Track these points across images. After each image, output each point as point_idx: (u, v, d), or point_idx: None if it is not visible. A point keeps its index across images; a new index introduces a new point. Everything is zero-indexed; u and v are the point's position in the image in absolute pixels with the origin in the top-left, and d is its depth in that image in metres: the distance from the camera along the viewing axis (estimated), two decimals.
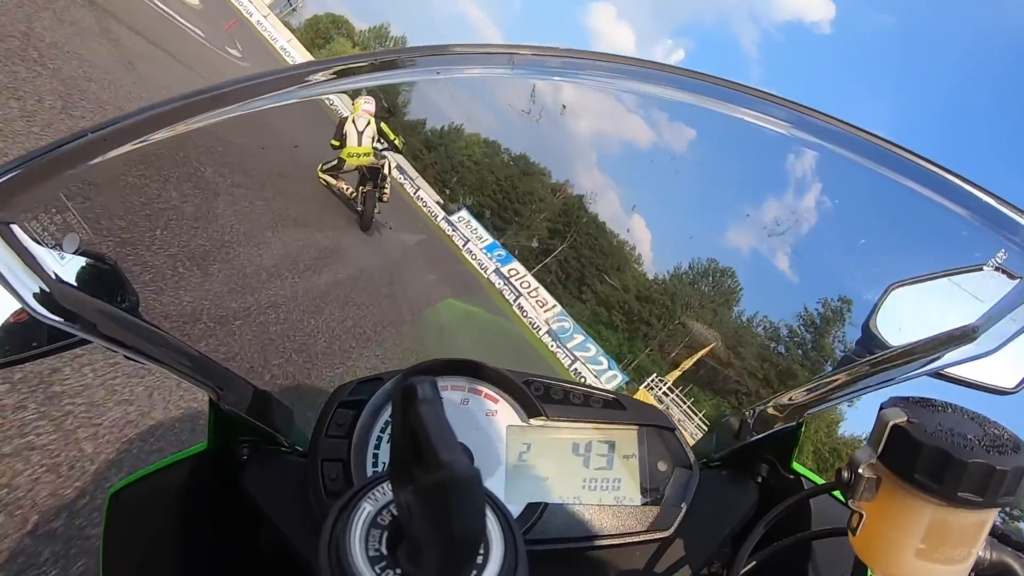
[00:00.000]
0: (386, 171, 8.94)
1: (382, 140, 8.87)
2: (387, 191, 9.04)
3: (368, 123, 8.60)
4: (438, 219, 21.86)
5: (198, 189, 4.94)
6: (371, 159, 8.66)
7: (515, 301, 22.52)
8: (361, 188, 8.78)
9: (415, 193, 21.67)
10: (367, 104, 8.69)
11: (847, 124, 0.69)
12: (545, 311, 22.97)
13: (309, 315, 4.64)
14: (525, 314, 22.38)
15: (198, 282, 3.71)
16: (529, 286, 23.36)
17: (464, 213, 22.89)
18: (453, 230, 21.42)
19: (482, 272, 22.01)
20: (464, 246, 21.62)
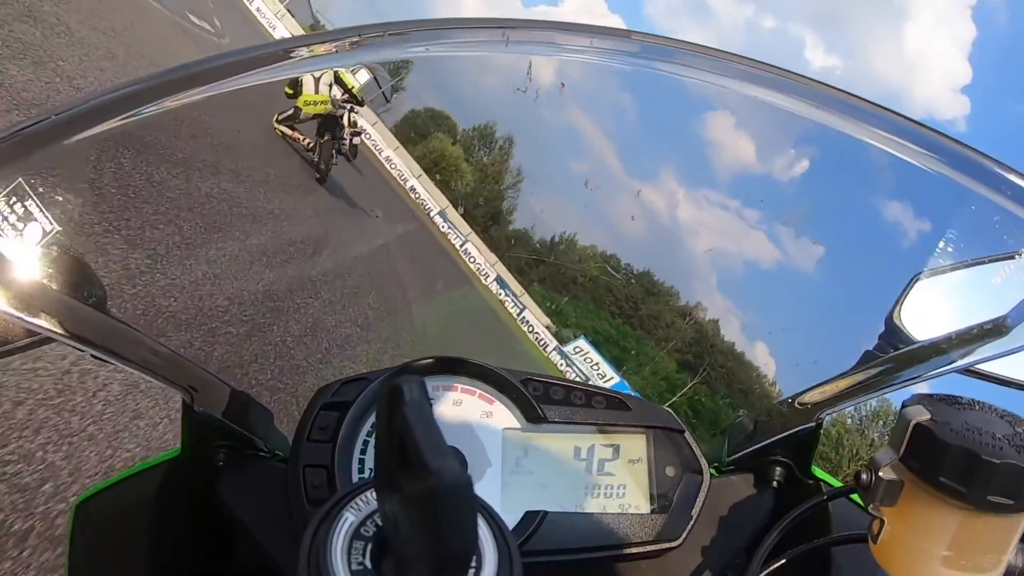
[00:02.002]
0: (345, 121, 9.06)
1: (340, 88, 8.95)
2: (346, 142, 9.19)
3: (324, 70, 8.54)
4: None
5: (171, 174, 4.92)
6: (329, 107, 8.76)
7: None
8: (319, 140, 8.83)
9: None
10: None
11: (863, 99, 0.69)
12: None
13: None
14: None
15: (173, 274, 3.71)
16: None
17: (582, 343, 20.94)
18: (568, 364, 20.15)
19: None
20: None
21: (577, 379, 0.83)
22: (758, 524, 0.74)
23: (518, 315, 21.56)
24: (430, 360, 0.73)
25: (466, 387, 0.73)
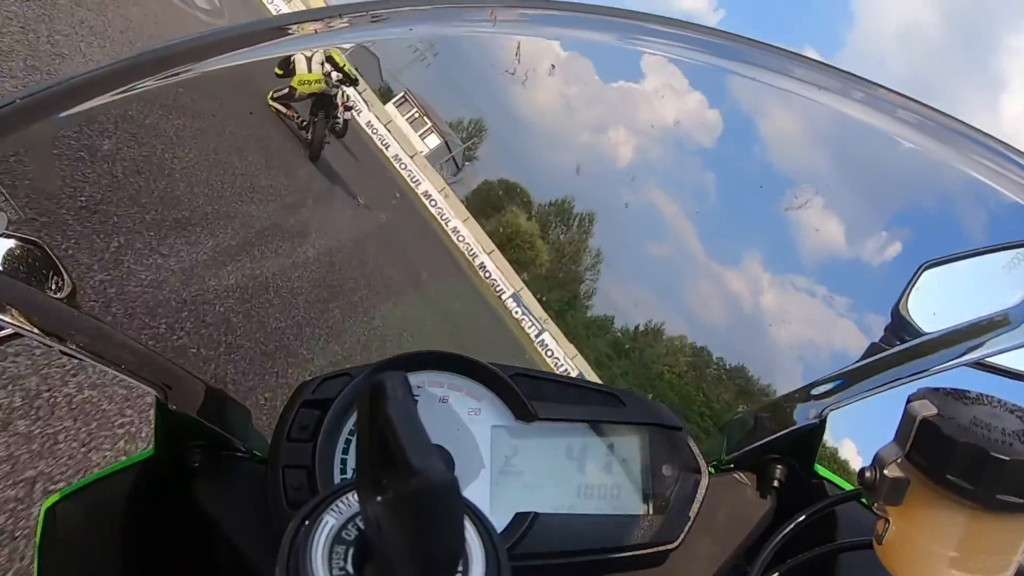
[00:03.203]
0: (339, 100, 9.49)
1: (332, 67, 9.31)
2: (339, 121, 9.70)
3: (316, 49, 8.93)
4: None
5: (145, 162, 4.89)
6: (323, 86, 9.14)
7: None
8: (313, 118, 9.31)
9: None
10: None
11: (870, 82, 0.69)
12: None
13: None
14: None
15: (145, 265, 3.69)
16: None
17: None
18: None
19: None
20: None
21: (571, 376, 0.83)
22: (759, 525, 0.74)
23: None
24: (414, 355, 0.73)
25: (452, 383, 0.73)
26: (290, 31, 0.68)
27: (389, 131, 22.55)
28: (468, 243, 23.50)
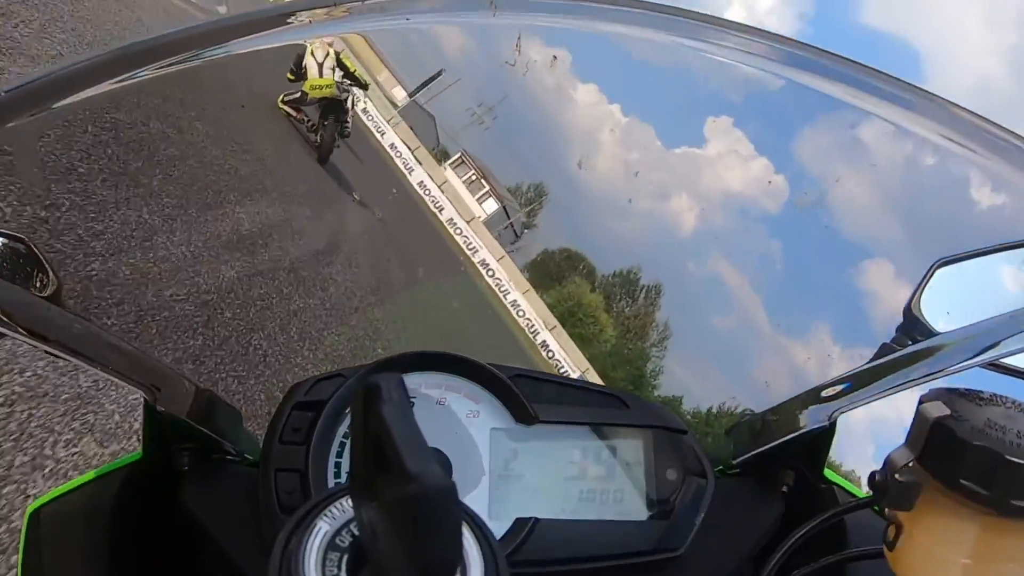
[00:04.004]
0: (349, 105, 9.93)
1: (342, 71, 9.71)
2: (348, 125, 10.14)
3: (327, 54, 9.42)
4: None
5: (134, 153, 4.88)
6: (334, 91, 9.50)
7: None
8: (323, 122, 9.69)
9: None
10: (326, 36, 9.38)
11: (878, 71, 0.69)
12: None
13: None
14: None
15: (135, 260, 3.69)
16: None
17: None
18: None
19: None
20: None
21: (573, 378, 0.82)
22: (766, 532, 0.74)
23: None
24: (410, 355, 0.73)
25: (450, 384, 0.73)
26: (288, 21, 0.68)
27: (444, 192, 21.63)
28: (529, 318, 22.35)
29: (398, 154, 19.43)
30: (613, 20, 0.75)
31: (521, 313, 22.21)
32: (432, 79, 24.39)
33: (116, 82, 0.61)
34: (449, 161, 25.39)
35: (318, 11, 0.70)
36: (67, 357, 0.59)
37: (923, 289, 0.80)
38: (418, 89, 23.83)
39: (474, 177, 26.03)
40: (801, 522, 0.65)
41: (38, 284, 0.66)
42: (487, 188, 26.23)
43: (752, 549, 0.73)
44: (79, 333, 0.62)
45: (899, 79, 0.68)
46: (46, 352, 0.59)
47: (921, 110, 0.71)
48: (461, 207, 22.67)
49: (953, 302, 0.77)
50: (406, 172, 18.75)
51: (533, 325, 22.14)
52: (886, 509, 0.54)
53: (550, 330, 22.50)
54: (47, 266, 0.68)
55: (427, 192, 20.78)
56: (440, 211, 21.16)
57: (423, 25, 0.74)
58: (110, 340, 0.65)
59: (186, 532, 0.69)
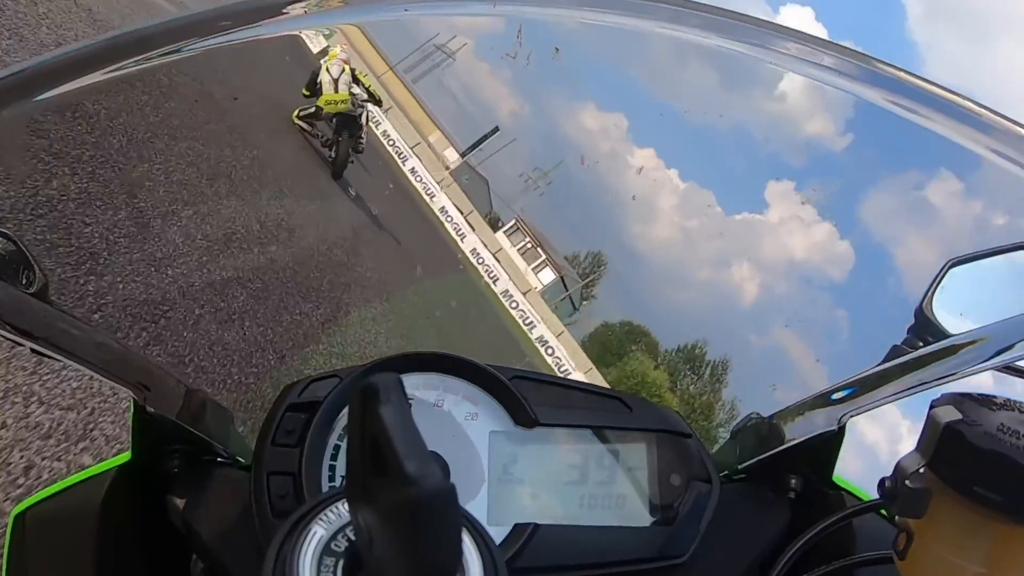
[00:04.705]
0: (363, 121, 10.21)
1: (358, 87, 10.00)
2: (363, 141, 10.42)
3: (343, 71, 9.71)
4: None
5: (128, 144, 4.88)
6: (348, 106, 9.78)
7: None
8: (338, 137, 9.96)
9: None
10: (342, 52, 9.93)
11: (890, 65, 0.69)
12: None
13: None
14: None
15: (122, 257, 3.69)
16: None
17: None
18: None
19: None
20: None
21: (574, 380, 0.82)
22: (773, 539, 0.74)
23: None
24: (407, 356, 0.73)
25: (448, 386, 0.73)
26: (284, 11, 0.68)
27: (499, 261, 20.73)
28: None
29: (449, 218, 18.75)
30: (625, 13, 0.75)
31: None
32: (487, 136, 23.99)
33: (105, 73, 0.61)
34: (504, 228, 24.65)
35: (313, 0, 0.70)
36: (54, 355, 0.59)
37: (935, 289, 0.80)
38: (473, 147, 23.24)
39: (529, 245, 25.15)
40: (808, 528, 0.65)
41: (24, 280, 0.65)
42: (543, 257, 25.32)
43: (758, 557, 0.73)
44: (66, 330, 0.62)
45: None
46: (32, 350, 0.59)
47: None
48: (517, 278, 21.90)
49: (966, 302, 0.77)
50: (458, 239, 18.18)
51: None
52: (896, 516, 0.54)
53: None
54: (32, 262, 0.68)
55: (480, 261, 19.94)
56: (495, 282, 20.32)
57: (421, 15, 0.74)
58: (98, 338, 0.65)
59: (175, 536, 0.69)
